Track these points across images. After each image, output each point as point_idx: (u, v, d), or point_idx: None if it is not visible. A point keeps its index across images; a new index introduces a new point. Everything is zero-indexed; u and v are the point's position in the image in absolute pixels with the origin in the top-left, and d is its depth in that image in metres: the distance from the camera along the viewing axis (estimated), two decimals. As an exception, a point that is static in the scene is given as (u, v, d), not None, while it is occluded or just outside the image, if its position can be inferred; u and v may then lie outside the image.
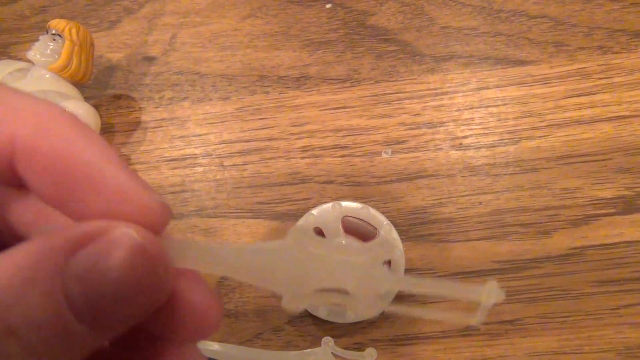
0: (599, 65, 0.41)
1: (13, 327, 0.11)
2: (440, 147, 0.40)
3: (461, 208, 0.38)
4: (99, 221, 0.13)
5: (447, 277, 0.36)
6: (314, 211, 0.36)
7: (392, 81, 0.43)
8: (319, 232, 0.35)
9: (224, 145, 0.43)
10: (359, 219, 0.36)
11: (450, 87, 0.42)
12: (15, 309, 0.11)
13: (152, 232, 0.14)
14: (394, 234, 0.35)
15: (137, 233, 0.13)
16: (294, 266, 0.16)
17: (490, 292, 0.15)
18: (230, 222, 0.40)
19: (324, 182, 0.40)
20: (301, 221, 0.36)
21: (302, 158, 0.41)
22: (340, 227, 0.35)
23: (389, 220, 0.36)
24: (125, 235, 0.13)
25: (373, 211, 0.36)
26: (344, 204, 0.36)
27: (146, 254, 0.13)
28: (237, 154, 0.42)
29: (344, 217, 0.35)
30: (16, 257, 0.12)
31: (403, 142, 0.41)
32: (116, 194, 0.13)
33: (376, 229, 0.36)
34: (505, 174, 0.38)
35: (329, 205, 0.36)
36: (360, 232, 0.35)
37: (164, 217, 0.14)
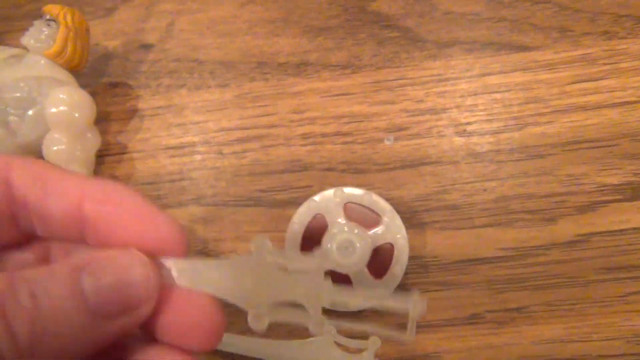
0: (604, 50, 0.41)
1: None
2: (443, 133, 0.40)
3: (465, 195, 0.38)
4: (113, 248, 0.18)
5: (446, 266, 0.36)
6: (316, 197, 0.35)
7: (394, 67, 0.43)
8: (321, 219, 0.35)
9: (222, 132, 0.42)
10: (362, 205, 0.35)
11: (454, 73, 0.42)
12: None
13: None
14: (398, 221, 0.35)
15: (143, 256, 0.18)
16: (253, 279, 0.17)
17: (415, 304, 0.17)
18: (230, 210, 0.40)
19: (325, 170, 0.40)
20: (302, 208, 0.35)
21: (303, 145, 0.41)
22: (343, 213, 0.35)
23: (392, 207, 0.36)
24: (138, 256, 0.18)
25: (376, 197, 0.35)
26: (347, 190, 0.35)
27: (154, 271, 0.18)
28: (236, 142, 0.42)
29: (346, 203, 0.35)
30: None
31: (405, 129, 0.40)
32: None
33: (379, 215, 0.35)
34: (510, 161, 0.38)
35: (331, 191, 0.35)
36: (363, 218, 0.35)
37: (181, 241, 0.19)
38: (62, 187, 0.18)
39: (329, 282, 0.18)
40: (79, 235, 0.18)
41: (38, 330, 0.14)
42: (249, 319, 0.17)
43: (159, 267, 0.18)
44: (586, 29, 0.42)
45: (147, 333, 0.18)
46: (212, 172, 0.41)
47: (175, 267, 0.18)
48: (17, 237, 0.19)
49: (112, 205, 0.18)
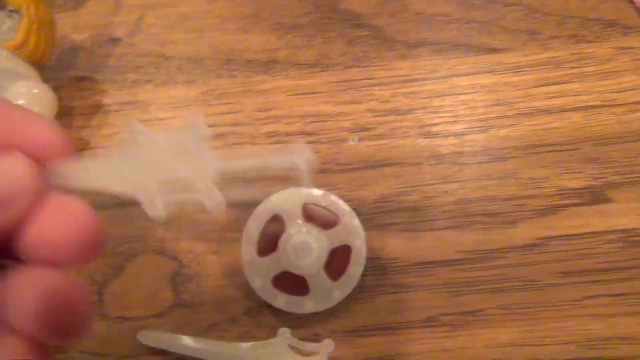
0: (571, 54, 0.41)
1: None
2: (408, 134, 0.40)
3: (427, 197, 0.37)
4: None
5: (404, 268, 0.36)
6: (273, 197, 0.35)
7: (363, 67, 0.43)
8: (278, 219, 0.35)
9: (187, 129, 0.42)
10: (321, 206, 0.35)
11: (421, 74, 0.42)
12: None
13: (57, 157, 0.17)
14: (356, 222, 0.35)
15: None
16: (136, 165, 0.16)
17: (302, 154, 0.17)
18: (190, 208, 0.39)
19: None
20: (260, 207, 0.35)
21: (268, 144, 0.41)
22: (301, 214, 0.35)
23: (352, 208, 0.35)
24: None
25: (334, 198, 0.35)
26: (304, 189, 0.35)
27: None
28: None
29: (304, 204, 0.35)
30: None
31: (370, 129, 0.40)
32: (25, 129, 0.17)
33: (338, 216, 0.35)
34: (473, 163, 0.38)
35: (287, 191, 0.35)
36: (322, 219, 0.35)
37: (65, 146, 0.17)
38: None
39: (213, 153, 0.17)
40: None
41: None
42: (144, 207, 0.17)
43: (35, 168, 0.17)
44: (554, 32, 0.42)
45: (16, 253, 0.17)
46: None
47: (50, 169, 0.17)
48: None
49: None
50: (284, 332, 0.32)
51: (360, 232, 0.35)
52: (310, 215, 0.35)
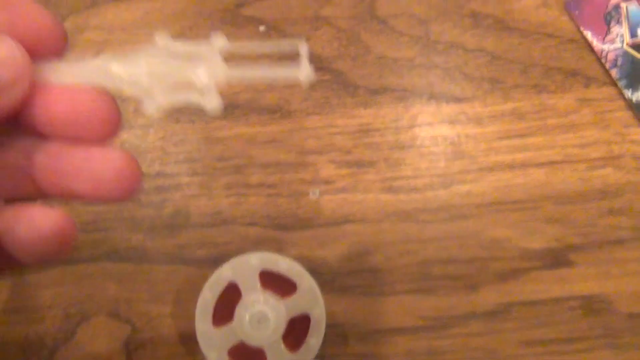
0: (533, 105, 0.38)
1: None
2: (369, 189, 0.37)
3: (389, 257, 0.35)
4: None
5: (365, 336, 0.33)
6: (228, 266, 0.32)
7: (324, 114, 0.39)
8: (234, 287, 0.32)
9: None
10: (278, 273, 0.32)
11: (383, 123, 0.39)
12: None
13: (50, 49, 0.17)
14: (315, 289, 0.32)
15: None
16: (147, 66, 0.17)
17: (303, 72, 0.17)
18: (146, 267, 0.36)
19: (248, 224, 0.36)
20: (216, 275, 0.32)
21: (226, 197, 0.37)
22: (258, 281, 0.32)
23: (312, 269, 0.32)
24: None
25: (292, 264, 0.32)
26: (261, 256, 0.32)
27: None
28: (156, 190, 0.38)
29: (261, 270, 0.32)
30: None
31: (332, 182, 0.37)
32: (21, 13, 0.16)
33: (296, 282, 0.32)
34: (435, 221, 0.35)
35: (244, 258, 0.32)
36: (279, 286, 0.32)
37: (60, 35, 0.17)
38: None
39: (222, 61, 0.17)
40: None
41: None
42: (144, 104, 0.17)
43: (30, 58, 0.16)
44: (517, 80, 0.39)
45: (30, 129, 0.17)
46: (129, 223, 0.37)
47: (60, 66, 0.17)
48: None
49: None
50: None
51: (320, 299, 0.32)
52: (267, 282, 0.32)
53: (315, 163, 0.38)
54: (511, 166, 0.36)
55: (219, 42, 0.17)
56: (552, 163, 0.36)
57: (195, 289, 0.34)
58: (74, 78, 0.17)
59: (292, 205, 0.37)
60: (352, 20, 0.42)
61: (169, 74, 0.17)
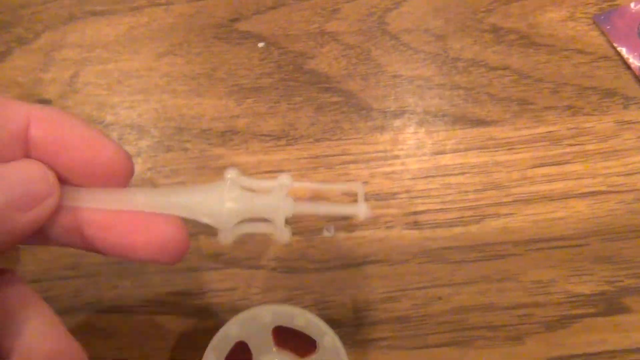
0: (568, 128, 0.34)
1: None
2: (391, 224, 0.32)
3: (417, 304, 0.30)
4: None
5: None
6: (235, 322, 0.27)
7: (335, 140, 0.35)
8: (244, 347, 0.27)
9: (130, 217, 0.33)
10: (295, 329, 0.27)
11: (402, 149, 0.35)
12: None
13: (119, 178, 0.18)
14: (338, 345, 0.27)
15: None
16: (225, 200, 0.18)
17: (361, 210, 0.19)
18: (135, 319, 0.31)
19: (253, 267, 0.32)
20: (220, 333, 0.27)
21: (227, 235, 0.33)
22: (271, 339, 0.27)
23: (331, 318, 0.28)
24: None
25: (311, 317, 0.27)
26: (274, 309, 0.27)
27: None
28: (146, 230, 0.33)
29: (275, 327, 0.27)
30: None
31: (348, 217, 0.33)
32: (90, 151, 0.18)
33: (316, 339, 0.27)
34: (468, 261, 0.31)
35: (254, 312, 0.27)
36: (297, 345, 0.27)
37: (127, 167, 0.18)
38: (8, 110, 0.17)
39: (291, 198, 0.18)
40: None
41: None
42: (220, 235, 0.18)
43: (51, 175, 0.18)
44: (549, 102, 0.35)
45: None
46: (115, 268, 0.32)
47: (143, 192, 0.18)
48: None
49: (59, 129, 0.18)
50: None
51: (344, 357, 0.27)
52: (282, 340, 0.27)
53: (328, 196, 0.33)
54: (550, 197, 0.32)
55: (286, 181, 0.18)
56: (595, 194, 0.32)
57: (194, 346, 0.30)
58: (153, 207, 0.18)
59: (303, 244, 0.32)
60: (361, 35, 0.38)
61: (245, 210, 0.18)
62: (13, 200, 0.16)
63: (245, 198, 0.18)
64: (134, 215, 0.18)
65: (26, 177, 0.17)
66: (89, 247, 0.18)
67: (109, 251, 0.18)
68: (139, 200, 0.18)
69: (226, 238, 0.18)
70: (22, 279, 0.18)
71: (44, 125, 0.18)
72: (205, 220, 0.18)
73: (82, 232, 0.18)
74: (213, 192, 0.18)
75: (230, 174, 0.19)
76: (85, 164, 0.18)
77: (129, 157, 0.18)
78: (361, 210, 0.19)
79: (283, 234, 0.18)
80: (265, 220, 0.19)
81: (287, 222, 0.19)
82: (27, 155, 0.18)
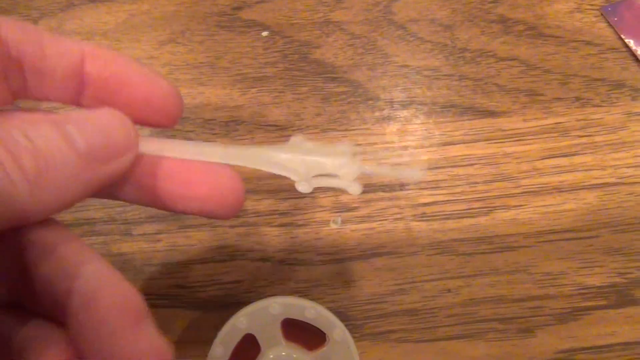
0: (577, 120, 0.34)
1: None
2: (400, 216, 0.32)
3: (427, 297, 0.30)
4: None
5: None
6: (243, 314, 0.26)
7: (341, 131, 0.35)
8: (252, 339, 0.26)
9: (131, 208, 0.33)
10: (304, 321, 0.27)
11: (411, 140, 0.34)
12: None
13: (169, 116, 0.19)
14: (348, 338, 0.27)
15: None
16: (301, 157, 0.19)
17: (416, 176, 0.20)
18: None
19: (259, 260, 0.31)
20: (227, 327, 0.26)
21: (232, 227, 0.32)
22: (280, 332, 0.26)
23: (339, 311, 0.28)
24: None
25: (320, 309, 0.27)
26: (283, 302, 0.27)
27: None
28: (149, 220, 0.32)
29: (284, 319, 0.27)
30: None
31: (355, 209, 0.32)
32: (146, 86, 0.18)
33: (325, 332, 0.27)
34: (477, 253, 0.31)
35: (262, 304, 0.27)
36: (306, 338, 0.27)
37: (180, 105, 0.19)
38: (62, 47, 0.17)
39: (358, 160, 0.19)
40: (75, 97, 0.18)
41: (41, 165, 0.14)
42: (299, 187, 0.19)
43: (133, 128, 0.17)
44: (557, 93, 0.35)
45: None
46: (117, 260, 0.31)
47: (221, 146, 0.19)
48: (5, 97, 0.17)
49: (114, 66, 0.17)
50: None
51: (354, 352, 0.27)
52: (291, 333, 0.27)
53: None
54: (559, 189, 0.32)
55: (348, 148, 0.20)
56: (605, 185, 0.32)
57: (200, 339, 0.29)
58: (235, 160, 0.19)
59: (311, 236, 0.32)
60: (367, 25, 0.38)
61: (318, 166, 0.19)
62: (93, 151, 0.16)
63: (319, 154, 0.19)
64: (201, 166, 0.18)
65: (108, 127, 0.16)
66: (153, 196, 0.18)
67: (173, 203, 0.18)
68: (219, 151, 0.18)
69: (306, 188, 0.19)
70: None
71: (99, 61, 0.17)
72: (284, 173, 0.19)
73: (154, 183, 0.18)
74: (289, 148, 0.19)
75: (298, 137, 0.20)
76: (143, 101, 0.17)
77: (180, 95, 0.18)
78: (417, 176, 0.20)
79: (355, 187, 0.19)
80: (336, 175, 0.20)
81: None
82: (81, 92, 0.18)
